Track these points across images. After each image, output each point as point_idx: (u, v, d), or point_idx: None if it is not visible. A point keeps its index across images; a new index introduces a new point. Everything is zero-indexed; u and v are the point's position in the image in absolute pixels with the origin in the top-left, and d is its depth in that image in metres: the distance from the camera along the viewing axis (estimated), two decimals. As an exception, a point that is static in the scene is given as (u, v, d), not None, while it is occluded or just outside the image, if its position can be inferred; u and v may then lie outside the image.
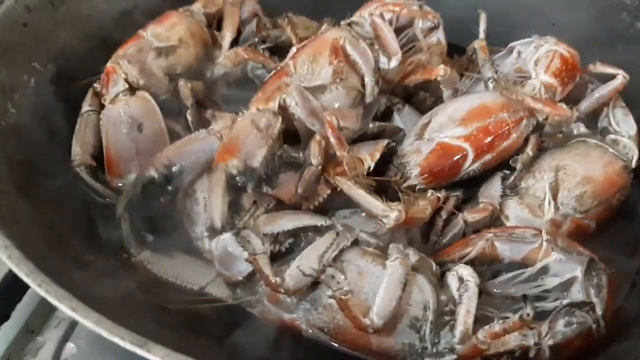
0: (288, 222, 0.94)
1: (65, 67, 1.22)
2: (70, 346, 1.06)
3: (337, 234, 0.93)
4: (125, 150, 1.11)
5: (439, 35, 1.31)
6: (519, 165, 1.12)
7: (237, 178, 0.92)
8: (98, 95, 1.20)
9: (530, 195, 1.08)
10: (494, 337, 0.81)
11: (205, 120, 1.20)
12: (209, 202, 0.93)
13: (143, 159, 1.10)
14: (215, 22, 1.44)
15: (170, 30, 1.30)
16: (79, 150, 1.13)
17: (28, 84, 1.13)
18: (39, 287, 0.69)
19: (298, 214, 0.98)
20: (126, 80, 1.17)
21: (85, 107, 1.20)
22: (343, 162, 1.00)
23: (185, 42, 1.31)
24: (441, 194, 1.06)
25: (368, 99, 1.16)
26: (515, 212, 1.07)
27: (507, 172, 1.14)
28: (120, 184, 1.11)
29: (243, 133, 0.95)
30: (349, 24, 1.21)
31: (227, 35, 1.39)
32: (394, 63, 1.16)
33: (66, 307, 0.67)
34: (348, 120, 1.06)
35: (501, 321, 0.83)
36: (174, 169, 1.03)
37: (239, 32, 1.43)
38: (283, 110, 0.99)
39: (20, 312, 1.09)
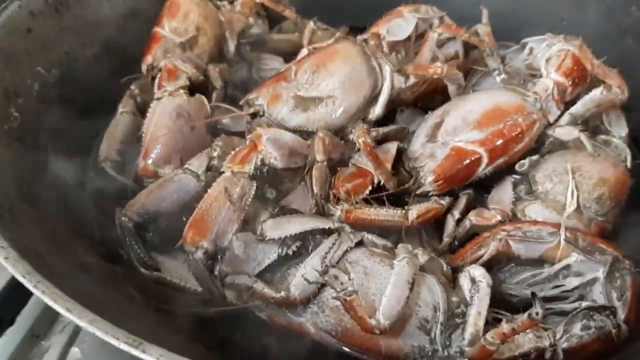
0: (295, 225, 0.93)
1: (70, 72, 1.23)
2: (74, 350, 1.05)
3: (339, 234, 0.92)
4: (173, 142, 1.11)
5: (457, 47, 1.29)
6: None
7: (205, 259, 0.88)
8: (134, 97, 1.24)
9: (550, 199, 1.05)
10: (503, 338, 0.79)
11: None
12: (203, 288, 0.91)
13: (185, 156, 1.10)
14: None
15: (185, 20, 1.33)
16: (106, 147, 1.18)
17: (32, 89, 1.13)
18: (35, 287, 0.69)
19: (305, 217, 0.97)
20: (189, 78, 1.20)
21: (120, 108, 1.23)
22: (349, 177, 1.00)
23: (203, 28, 1.34)
24: (445, 201, 1.05)
25: (377, 112, 1.15)
26: (542, 215, 1.03)
27: (517, 177, 1.11)
28: (152, 168, 1.10)
29: (215, 207, 0.90)
30: (365, 40, 1.20)
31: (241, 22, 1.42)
32: (410, 82, 1.16)
33: (61, 308, 0.67)
34: (336, 150, 1.05)
35: (510, 321, 0.80)
36: (148, 215, 1.01)
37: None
38: (263, 164, 0.99)
39: (25, 317, 1.08)
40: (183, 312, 0.92)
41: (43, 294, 0.67)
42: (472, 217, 1.04)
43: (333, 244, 0.90)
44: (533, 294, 0.76)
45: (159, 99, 1.17)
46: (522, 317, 0.79)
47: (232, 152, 0.98)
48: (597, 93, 1.14)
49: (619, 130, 1.20)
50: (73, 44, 1.25)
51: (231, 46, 1.39)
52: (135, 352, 0.62)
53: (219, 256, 0.90)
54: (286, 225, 0.92)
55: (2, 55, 1.07)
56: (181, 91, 1.17)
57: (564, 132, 1.11)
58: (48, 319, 1.09)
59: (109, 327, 0.65)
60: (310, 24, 1.40)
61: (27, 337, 1.07)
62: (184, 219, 0.93)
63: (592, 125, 1.21)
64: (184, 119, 1.14)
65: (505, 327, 0.79)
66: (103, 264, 0.97)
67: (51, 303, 0.67)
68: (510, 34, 1.36)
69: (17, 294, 1.07)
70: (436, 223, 1.08)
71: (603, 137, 1.18)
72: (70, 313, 0.65)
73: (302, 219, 0.95)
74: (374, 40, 1.17)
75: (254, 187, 0.95)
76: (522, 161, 1.11)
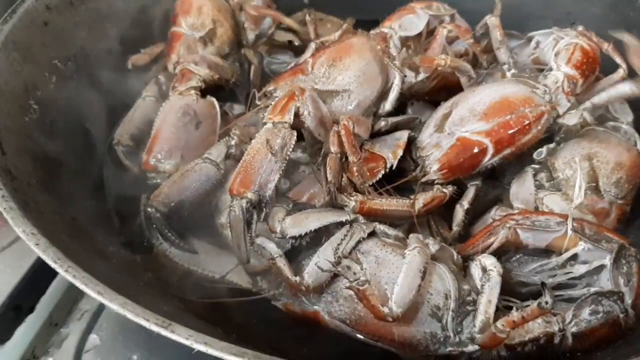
0: (314, 221, 0.94)
1: (85, 65, 1.24)
2: (93, 337, 1.07)
3: (351, 225, 0.93)
4: (175, 138, 1.15)
5: (467, 45, 1.30)
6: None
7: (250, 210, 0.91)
8: (159, 85, 1.28)
9: (572, 186, 1.07)
10: (513, 326, 0.80)
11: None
12: (234, 238, 0.93)
13: (186, 152, 1.13)
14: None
15: (199, 15, 1.35)
16: (121, 130, 1.22)
17: (49, 81, 1.15)
18: (66, 272, 0.70)
19: (322, 212, 0.98)
20: (203, 80, 1.23)
21: (144, 92, 1.27)
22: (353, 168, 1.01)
23: (218, 20, 1.37)
24: (448, 189, 1.06)
25: (387, 108, 1.17)
26: (560, 206, 1.05)
27: (536, 166, 1.13)
28: (152, 162, 1.13)
29: (258, 159, 0.93)
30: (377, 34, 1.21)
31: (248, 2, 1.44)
32: (421, 76, 1.17)
33: (92, 291, 0.68)
34: (362, 128, 1.07)
35: (520, 310, 0.82)
36: (173, 204, 1.03)
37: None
38: (295, 116, 0.99)
39: (44, 305, 1.10)
40: (200, 300, 0.94)
41: (74, 278, 0.69)
42: (497, 217, 1.04)
43: (345, 235, 0.92)
44: (543, 283, 0.77)
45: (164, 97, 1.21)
46: (532, 306, 0.80)
47: (272, 104, 1.00)
48: (625, 88, 1.15)
49: (626, 116, 1.22)
50: (88, 37, 1.26)
51: (250, 35, 1.42)
52: (164, 333, 0.64)
53: (263, 206, 0.93)
54: (305, 222, 0.94)
55: (21, 49, 1.09)
56: (192, 91, 1.20)
57: (571, 116, 1.13)
58: (66, 306, 1.12)
59: (139, 310, 0.67)
60: (307, 17, 1.41)
61: (46, 325, 1.09)
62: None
63: (597, 115, 1.22)
64: (190, 117, 1.17)
65: (515, 315, 0.80)
66: (123, 252, 0.99)
67: (82, 287, 0.69)
68: (516, 27, 1.36)
69: (37, 283, 1.11)
70: (446, 212, 1.10)
71: (612, 123, 1.20)
72: (102, 296, 0.67)
73: (319, 214, 0.96)
74: (380, 45, 1.18)
75: (294, 137, 0.97)
76: (539, 149, 1.13)
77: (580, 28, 1.24)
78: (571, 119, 1.12)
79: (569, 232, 0.93)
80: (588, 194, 1.06)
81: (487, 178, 1.15)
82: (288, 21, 1.45)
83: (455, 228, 1.08)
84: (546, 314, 0.83)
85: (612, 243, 0.92)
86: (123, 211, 1.09)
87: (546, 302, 0.77)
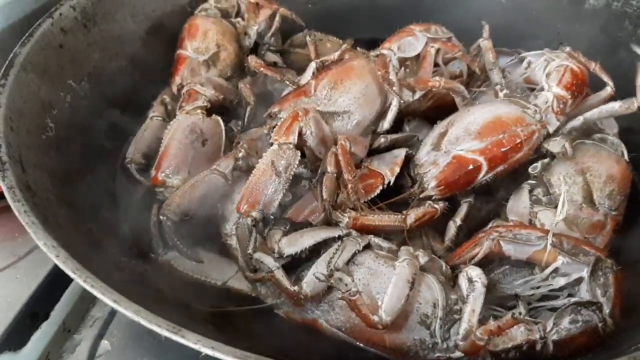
0: (308, 239, 1.00)
1: (98, 84, 1.30)
2: (104, 343, 1.12)
3: (342, 241, 0.99)
4: (182, 154, 1.20)
5: (462, 66, 1.36)
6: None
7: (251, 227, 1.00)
8: (165, 104, 1.35)
9: (567, 200, 1.11)
10: (490, 334, 0.86)
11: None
12: (240, 251, 1.01)
13: (193, 168, 1.19)
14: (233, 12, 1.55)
15: (204, 39, 1.41)
16: (132, 150, 1.28)
17: (65, 101, 1.20)
18: (84, 282, 0.76)
19: (315, 230, 1.03)
20: (209, 100, 1.29)
21: (151, 113, 1.33)
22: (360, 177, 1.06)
23: (222, 44, 1.43)
24: (439, 205, 1.11)
25: (385, 127, 1.22)
26: (552, 222, 1.09)
27: (532, 181, 1.17)
28: (161, 178, 1.19)
29: (263, 180, 1.01)
30: (377, 56, 1.26)
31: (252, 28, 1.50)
32: (417, 96, 1.23)
33: (109, 300, 0.74)
34: (358, 147, 1.12)
35: (496, 320, 0.88)
36: (184, 213, 1.09)
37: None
38: (299, 135, 1.05)
39: (58, 312, 1.15)
40: (207, 309, 0.99)
41: (92, 287, 0.75)
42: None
43: (337, 249, 0.97)
44: (516, 295, 0.83)
45: (169, 116, 1.27)
46: (507, 317, 0.86)
47: (277, 126, 1.06)
48: (615, 106, 1.19)
49: (611, 128, 1.26)
50: (100, 58, 1.32)
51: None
52: (175, 338, 0.70)
53: (267, 221, 1.02)
54: (300, 240, 0.99)
55: (38, 70, 1.14)
56: (198, 110, 1.26)
57: (555, 144, 1.17)
58: (79, 313, 1.17)
59: (152, 317, 0.72)
60: (307, 38, 1.45)
61: (59, 331, 1.14)
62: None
63: (585, 128, 1.26)
64: (196, 134, 1.23)
65: (492, 324, 0.86)
66: (134, 262, 1.04)
67: (100, 296, 0.74)
68: (509, 45, 1.41)
69: (51, 291, 1.16)
70: (441, 227, 1.15)
71: (599, 135, 1.24)
72: (117, 304, 0.73)
73: (313, 232, 1.01)
74: (380, 71, 1.22)
75: (298, 157, 1.04)
76: (534, 164, 1.17)
77: (567, 49, 1.29)
78: (554, 147, 1.17)
79: (548, 246, 0.97)
80: (584, 208, 1.10)
81: (482, 193, 1.20)
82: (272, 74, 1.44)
83: (446, 243, 1.12)
84: (519, 323, 0.88)
85: (589, 256, 0.96)
86: (134, 223, 1.14)
87: (520, 313, 0.83)
